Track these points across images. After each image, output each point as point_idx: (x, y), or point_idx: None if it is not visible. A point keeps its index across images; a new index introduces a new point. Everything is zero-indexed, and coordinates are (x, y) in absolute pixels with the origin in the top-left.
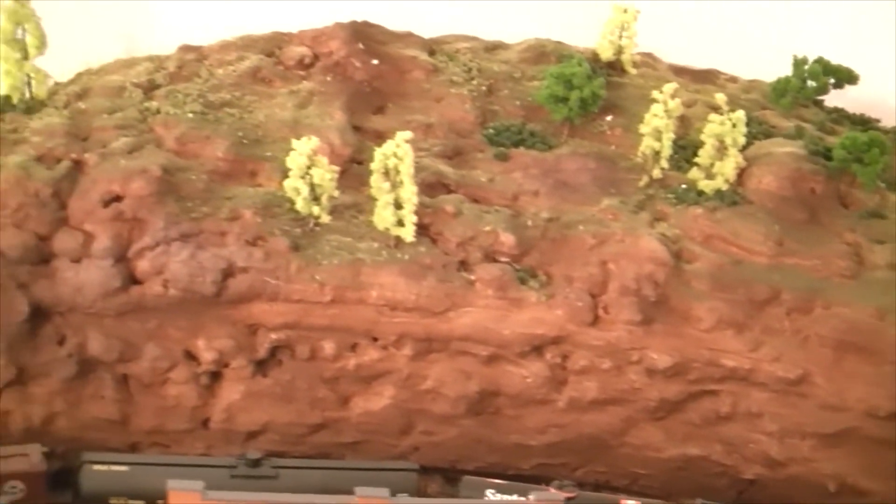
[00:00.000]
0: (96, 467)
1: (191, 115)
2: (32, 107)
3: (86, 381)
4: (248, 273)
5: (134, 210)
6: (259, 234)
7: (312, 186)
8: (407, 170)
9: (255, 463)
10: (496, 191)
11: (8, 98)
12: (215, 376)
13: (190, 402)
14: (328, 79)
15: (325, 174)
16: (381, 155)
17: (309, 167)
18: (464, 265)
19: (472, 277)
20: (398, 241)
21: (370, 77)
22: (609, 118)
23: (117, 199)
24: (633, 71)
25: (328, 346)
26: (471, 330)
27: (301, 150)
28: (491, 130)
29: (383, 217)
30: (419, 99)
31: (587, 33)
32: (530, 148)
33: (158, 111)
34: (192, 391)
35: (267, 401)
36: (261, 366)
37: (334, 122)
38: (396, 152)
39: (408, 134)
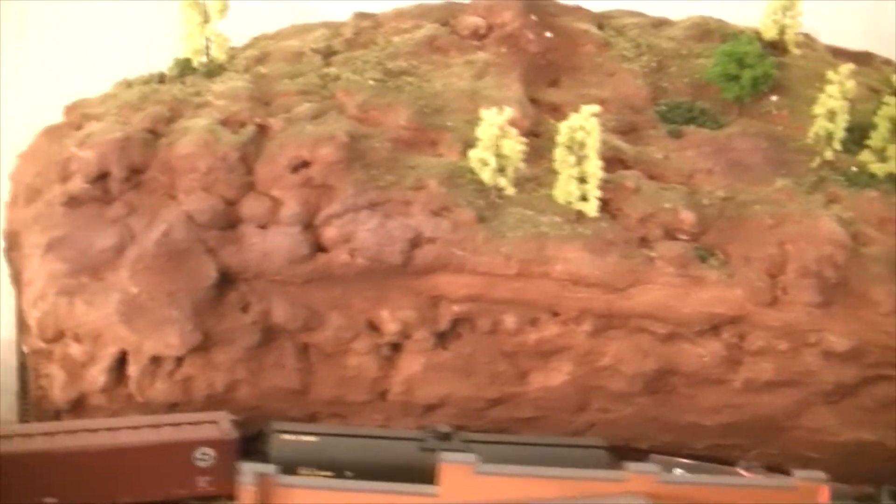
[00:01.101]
0: (285, 437)
1: (371, 82)
2: (213, 70)
3: (268, 350)
4: (434, 244)
5: (323, 176)
6: (444, 204)
7: (499, 158)
8: (593, 144)
9: (445, 437)
10: (672, 168)
11: (188, 61)
12: (396, 348)
13: (370, 373)
14: (503, 50)
15: (516, 146)
16: (568, 128)
17: (499, 138)
18: (644, 242)
19: (653, 254)
20: (580, 215)
21: (544, 49)
22: (774, 98)
23: (305, 164)
24: (795, 51)
25: (509, 320)
26: (651, 307)
27: (492, 121)
28: (663, 107)
29: (566, 191)
30: (592, 73)
31: (743, 13)
32: (701, 126)
33: (338, 77)
34: (373, 362)
35: (446, 374)
36: (441, 338)
37: (512, 94)
38: (584, 126)
39: (595, 108)
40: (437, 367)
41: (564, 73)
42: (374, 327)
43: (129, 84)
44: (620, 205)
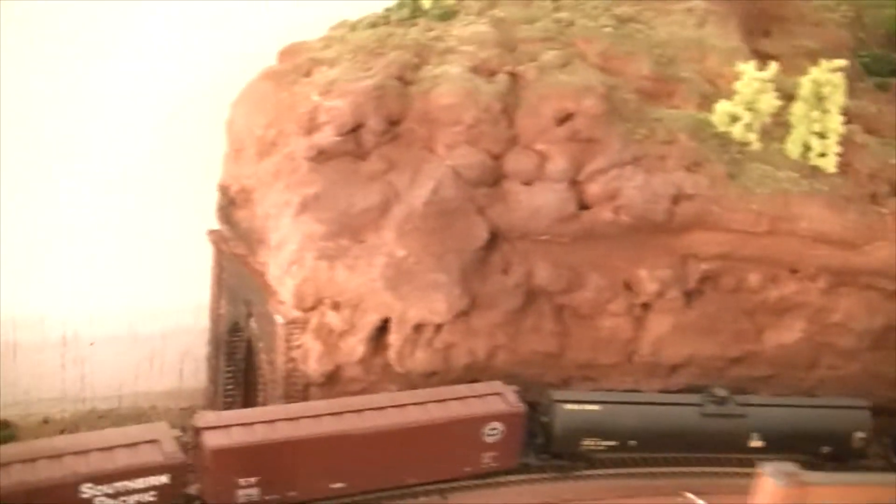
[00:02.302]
0: (568, 407)
1: (607, 29)
2: (446, 13)
3: (526, 314)
4: (693, 200)
5: (589, 130)
6: (696, 159)
7: (752, 112)
8: (838, 99)
9: (722, 401)
10: (885, 122)
11: (419, 3)
12: (645, 308)
13: (624, 334)
14: None
15: (773, 101)
16: (812, 82)
17: (758, 93)
18: (874, 198)
19: (885, 211)
20: (813, 170)
21: None
22: None
23: (569, 117)
24: None
25: (753, 278)
26: (883, 264)
27: (754, 75)
28: (867, 59)
29: (801, 145)
30: (799, 23)
31: None
32: None
33: (572, 23)
34: (627, 323)
35: (692, 333)
36: (688, 297)
37: (737, 44)
38: (832, 80)
39: (841, 62)
40: (684, 326)
41: (774, 24)
42: (628, 287)
43: (352, 27)
44: (850, 160)
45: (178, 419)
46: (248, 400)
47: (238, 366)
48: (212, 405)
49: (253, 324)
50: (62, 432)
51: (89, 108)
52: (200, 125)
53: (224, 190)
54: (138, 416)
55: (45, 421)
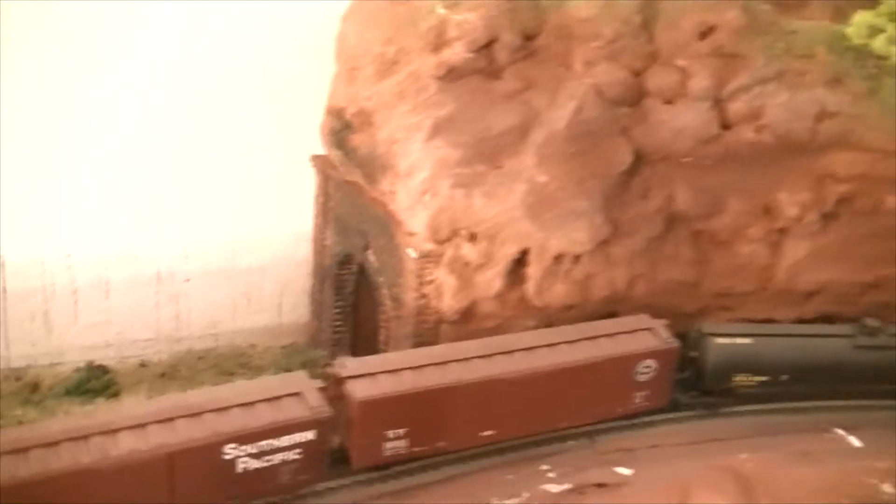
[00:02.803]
0: (720, 340)
1: None
2: None
3: (664, 241)
4: (835, 118)
5: (732, 44)
6: (836, 75)
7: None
8: None
9: (874, 332)
10: None
11: None
12: (781, 233)
13: (761, 260)
14: None
15: None
16: None
17: None
18: None
19: None
20: None
21: None
22: None
23: (710, 31)
24: None
25: (891, 200)
26: None
27: None
28: None
29: None
30: None
31: None
32: None
33: None
34: (764, 249)
35: (827, 258)
36: (825, 221)
37: None
38: None
39: None
40: (820, 251)
41: None
42: (767, 211)
43: None
44: None
45: (282, 357)
46: (357, 337)
47: (347, 301)
48: (315, 342)
49: (371, 256)
50: (162, 376)
51: (182, 31)
52: (298, 44)
53: (337, 113)
54: (238, 355)
55: (143, 364)
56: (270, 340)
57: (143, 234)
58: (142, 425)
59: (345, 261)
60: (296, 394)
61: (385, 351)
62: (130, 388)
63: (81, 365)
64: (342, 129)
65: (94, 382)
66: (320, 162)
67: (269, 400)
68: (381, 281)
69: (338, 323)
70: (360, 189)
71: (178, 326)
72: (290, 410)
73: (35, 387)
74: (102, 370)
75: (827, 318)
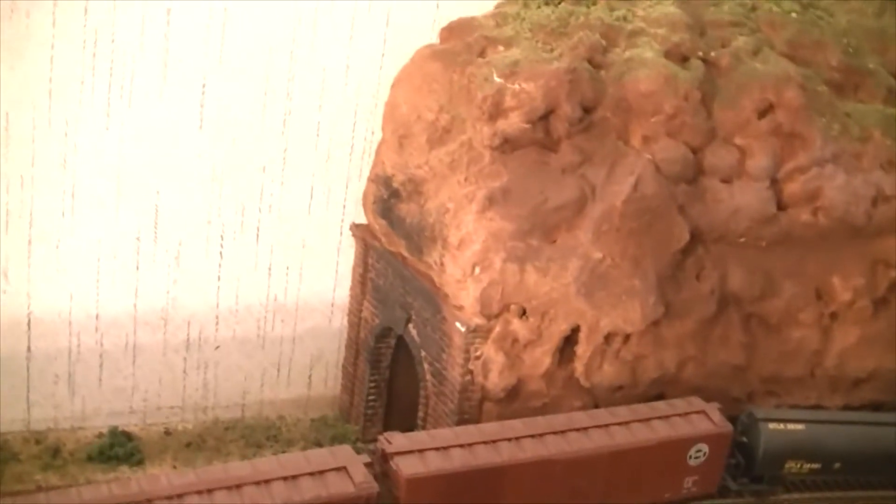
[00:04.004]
0: (773, 426)
1: (794, 15)
2: None
3: (715, 323)
4: (890, 202)
5: (791, 123)
6: (892, 158)
7: None
8: None
9: None
10: None
11: None
12: (832, 317)
13: (811, 346)
14: None
15: None
16: None
17: None
18: None
19: None
20: None
21: None
22: None
23: (770, 109)
24: None
25: None
26: None
27: None
28: None
29: None
30: None
31: None
32: None
33: (755, 8)
34: (815, 334)
35: (878, 345)
36: (876, 306)
37: None
38: None
39: None
40: (870, 337)
41: None
42: (819, 295)
43: (524, 3)
44: None
45: (311, 431)
46: (391, 412)
47: (382, 375)
48: (346, 416)
49: (413, 330)
50: (188, 446)
51: (226, 89)
52: (347, 110)
53: (385, 181)
54: (266, 427)
55: (167, 432)
56: (299, 413)
57: (173, 298)
58: (179, 496)
59: (383, 334)
60: (341, 468)
61: (424, 428)
62: (155, 456)
63: (104, 430)
64: (389, 197)
65: (118, 449)
66: (361, 231)
67: (312, 474)
68: (422, 356)
69: (372, 398)
70: (404, 260)
71: (206, 395)
72: (336, 485)
73: (56, 451)
74: (126, 437)
75: (875, 407)
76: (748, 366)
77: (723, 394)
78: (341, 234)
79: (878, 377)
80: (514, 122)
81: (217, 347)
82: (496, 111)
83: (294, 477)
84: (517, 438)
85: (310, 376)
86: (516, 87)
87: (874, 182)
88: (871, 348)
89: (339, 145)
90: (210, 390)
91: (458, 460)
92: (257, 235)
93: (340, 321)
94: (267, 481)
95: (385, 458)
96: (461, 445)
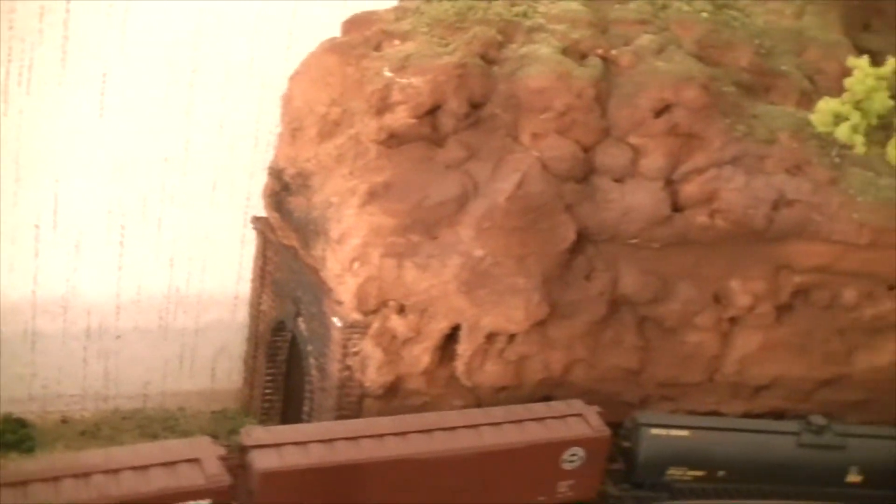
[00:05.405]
0: (655, 431)
1: (705, 14)
2: None
3: (606, 325)
4: (794, 207)
5: (689, 124)
6: (798, 162)
7: (860, 112)
8: None
9: (820, 430)
10: None
11: None
12: (732, 322)
13: (709, 351)
14: None
15: (888, 102)
16: None
17: (872, 92)
18: None
19: None
20: None
21: None
22: None
23: (667, 108)
24: None
25: (849, 294)
26: None
27: (868, 71)
28: None
29: None
30: None
31: None
32: None
33: (665, 6)
34: (714, 339)
35: (781, 352)
36: (779, 312)
37: (840, 38)
38: None
39: None
40: (773, 344)
41: (875, 17)
42: (717, 300)
43: None
44: None
45: (210, 423)
46: (288, 407)
47: (279, 368)
48: (247, 409)
49: (301, 324)
50: (82, 434)
51: (128, 78)
52: (250, 102)
53: (277, 173)
54: (165, 417)
55: (64, 420)
56: (202, 405)
57: (73, 287)
58: (24, 483)
59: (279, 327)
60: (195, 460)
61: (308, 422)
62: (48, 444)
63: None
64: (281, 190)
65: (9, 436)
66: (261, 224)
67: (164, 464)
68: (309, 350)
69: (269, 391)
70: (296, 254)
71: (107, 384)
72: (186, 477)
73: None
74: (20, 424)
75: (778, 414)
76: (642, 370)
77: (615, 398)
78: (245, 226)
79: (781, 384)
80: (400, 117)
81: (118, 337)
82: (383, 105)
83: (145, 467)
84: (381, 436)
85: (213, 368)
86: (404, 81)
87: (776, 185)
88: (774, 355)
89: (243, 137)
90: (111, 380)
91: (315, 455)
92: (159, 226)
93: (244, 314)
94: (116, 471)
95: (242, 451)
96: (321, 441)
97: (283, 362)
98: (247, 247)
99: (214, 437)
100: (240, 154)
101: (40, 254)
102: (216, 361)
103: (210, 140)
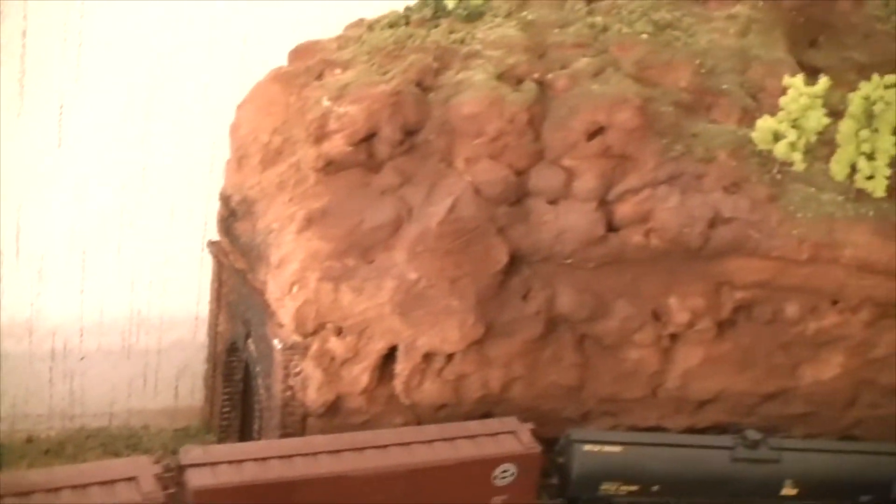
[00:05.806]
0: (587, 447)
1: (644, 36)
2: (473, 13)
3: (545, 343)
4: (730, 224)
5: (622, 145)
6: (736, 179)
7: (797, 130)
8: (890, 118)
9: (754, 444)
10: None
11: (443, 2)
12: (673, 339)
13: (650, 367)
14: (760, 4)
15: (823, 119)
16: (863, 99)
17: (806, 109)
18: None
19: None
20: (859, 194)
21: (801, 5)
22: None
23: (600, 131)
24: None
25: (791, 309)
26: None
27: (802, 90)
28: None
29: (846, 166)
30: (849, 34)
31: None
32: None
33: (606, 28)
34: (654, 355)
35: (723, 367)
36: (720, 328)
37: (783, 56)
38: (885, 97)
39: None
40: (715, 359)
41: (821, 33)
42: (657, 317)
43: (370, 26)
44: None
45: (172, 441)
46: (246, 425)
47: (236, 388)
48: (208, 427)
49: (251, 345)
50: (47, 452)
51: (84, 108)
52: (206, 128)
53: (226, 200)
54: (129, 435)
55: (29, 439)
56: (165, 423)
57: (38, 310)
58: None
59: (233, 348)
60: (132, 478)
61: (259, 440)
62: (12, 462)
63: None
64: (229, 216)
65: None
66: (215, 248)
67: (102, 483)
68: (257, 370)
69: (226, 409)
70: (244, 277)
71: (73, 403)
72: (121, 495)
73: None
74: None
75: (721, 429)
76: (582, 386)
77: (555, 414)
78: (203, 250)
79: (724, 398)
80: (337, 145)
81: (82, 358)
82: (321, 133)
83: (84, 486)
84: (314, 454)
85: (176, 387)
86: (341, 110)
87: (713, 204)
88: (717, 369)
89: (200, 163)
90: (77, 399)
91: (248, 473)
92: (119, 250)
93: (205, 334)
94: (57, 489)
95: (179, 469)
96: (256, 459)
97: (239, 381)
98: (205, 269)
99: (175, 453)
100: (196, 180)
101: (4, 279)
102: (178, 380)
103: (166, 167)
